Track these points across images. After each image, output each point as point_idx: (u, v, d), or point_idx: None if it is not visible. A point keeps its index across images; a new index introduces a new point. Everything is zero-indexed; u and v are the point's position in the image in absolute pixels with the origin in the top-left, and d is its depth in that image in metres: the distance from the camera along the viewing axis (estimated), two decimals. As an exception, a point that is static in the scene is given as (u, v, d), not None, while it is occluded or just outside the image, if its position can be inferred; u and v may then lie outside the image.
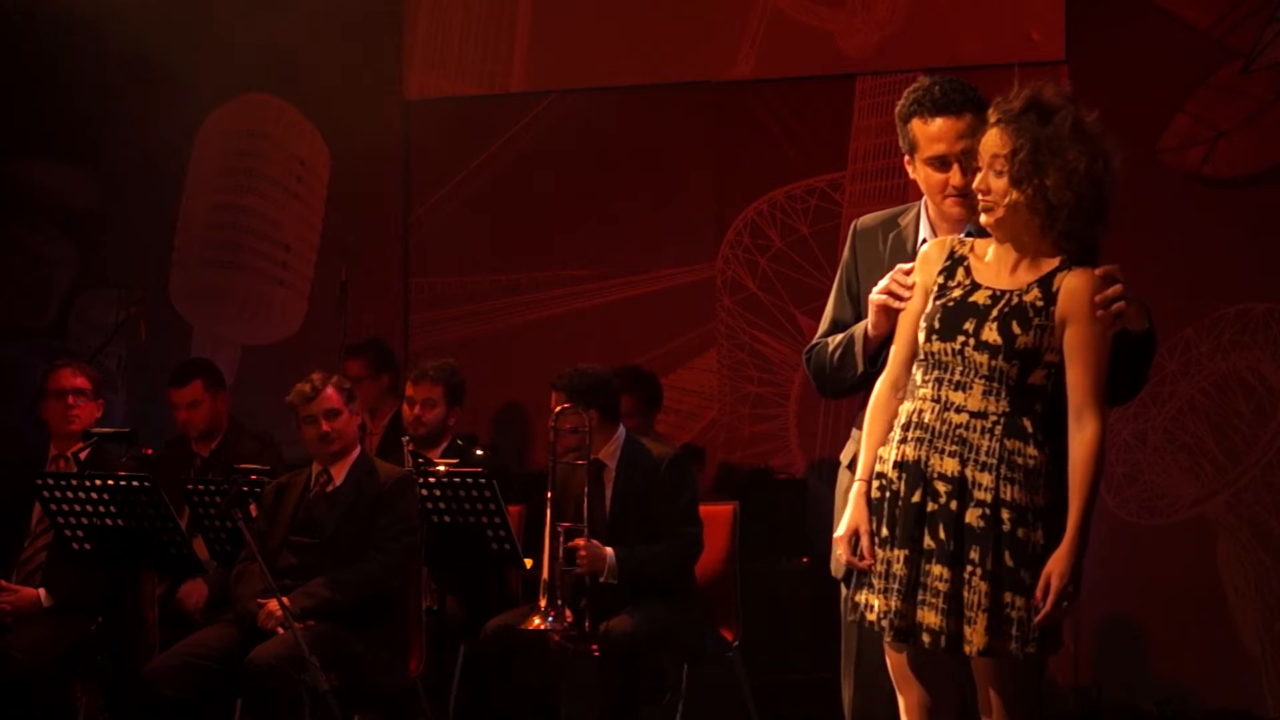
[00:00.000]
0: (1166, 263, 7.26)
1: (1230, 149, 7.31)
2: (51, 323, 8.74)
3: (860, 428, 3.93)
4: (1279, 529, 7.22)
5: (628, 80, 8.04)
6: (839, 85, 7.70)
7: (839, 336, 3.98)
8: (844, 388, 3.98)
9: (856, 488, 3.72)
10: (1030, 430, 3.63)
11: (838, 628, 4.07)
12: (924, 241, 3.93)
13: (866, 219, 4.13)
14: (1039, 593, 3.55)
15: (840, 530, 3.72)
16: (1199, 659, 7.22)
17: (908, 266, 3.80)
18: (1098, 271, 3.68)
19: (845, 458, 4.03)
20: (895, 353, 3.77)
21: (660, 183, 7.99)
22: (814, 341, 4.08)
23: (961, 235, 3.81)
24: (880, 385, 3.77)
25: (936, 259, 3.76)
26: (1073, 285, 3.66)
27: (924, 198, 4.02)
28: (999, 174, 3.63)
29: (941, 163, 3.89)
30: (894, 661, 3.75)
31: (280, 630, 5.66)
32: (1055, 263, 3.69)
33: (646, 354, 7.73)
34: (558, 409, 6.24)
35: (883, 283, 3.82)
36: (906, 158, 3.99)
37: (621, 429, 6.39)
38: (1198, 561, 7.25)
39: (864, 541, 3.68)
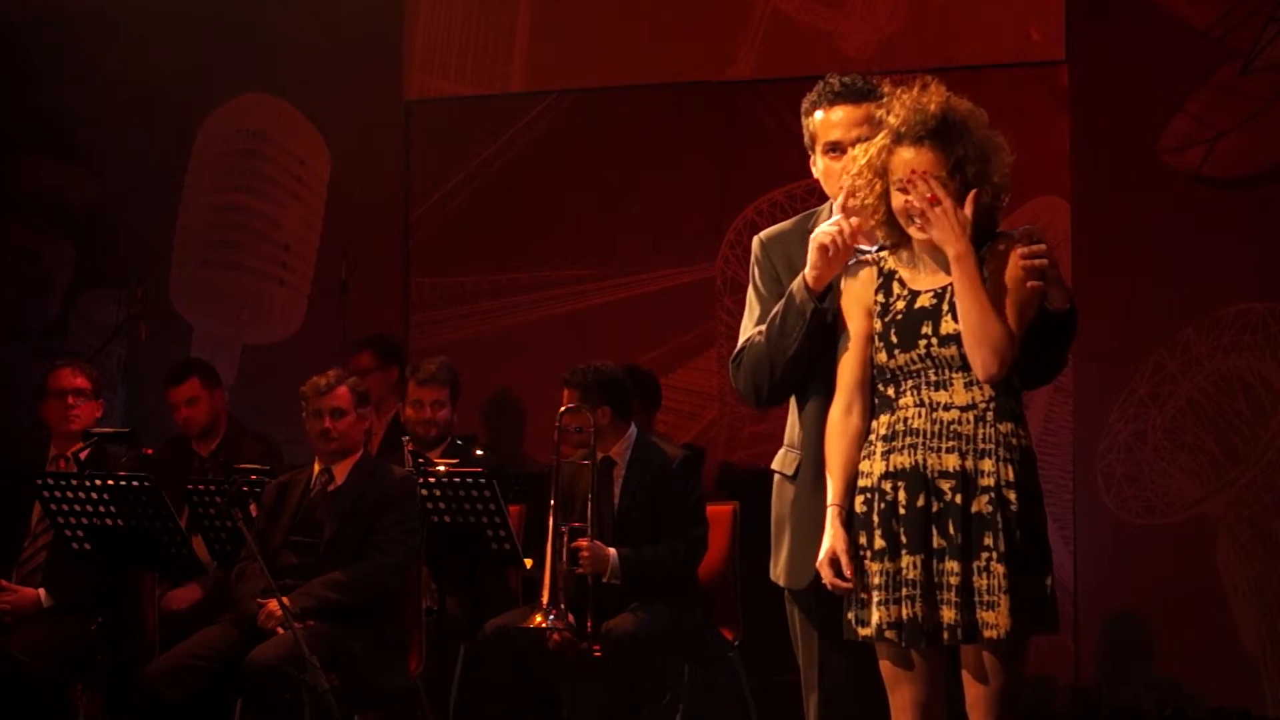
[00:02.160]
0: (1166, 263, 7.27)
1: (1230, 149, 7.31)
2: (51, 323, 8.74)
3: (793, 444, 3.93)
4: (1279, 529, 7.22)
5: (628, 80, 8.04)
6: (839, 85, 7.69)
7: (758, 330, 3.90)
8: (782, 364, 3.83)
9: (830, 512, 3.72)
10: (1018, 411, 3.69)
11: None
12: None
13: (770, 231, 4.07)
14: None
15: (820, 555, 3.72)
16: (1199, 659, 7.22)
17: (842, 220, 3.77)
18: (1021, 228, 3.72)
19: (788, 469, 3.94)
20: (843, 376, 3.76)
21: (660, 183, 7.99)
22: (739, 347, 3.99)
23: (873, 250, 3.81)
24: (833, 411, 3.76)
25: (868, 280, 3.78)
26: (997, 245, 3.69)
27: (829, 202, 4.01)
28: (941, 188, 3.64)
29: (837, 149, 3.92)
30: (887, 664, 3.75)
31: (280, 630, 5.67)
32: (982, 241, 3.70)
33: (646, 354, 7.73)
34: (562, 408, 6.25)
35: (826, 226, 3.78)
36: (810, 157, 4.01)
37: (633, 427, 6.41)
38: (1198, 561, 7.25)
39: (843, 560, 3.69)
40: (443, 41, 8.29)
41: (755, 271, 4.03)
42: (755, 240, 4.06)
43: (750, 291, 4.03)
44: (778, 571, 3.96)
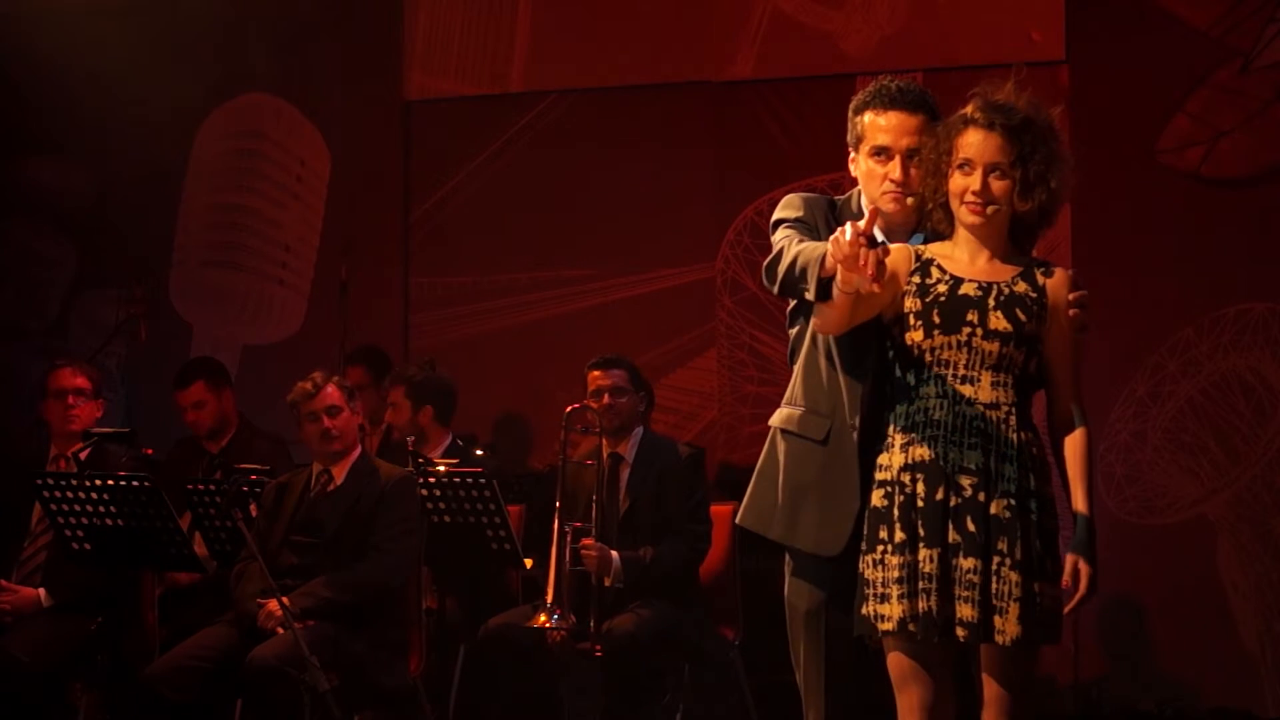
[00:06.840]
0: (1166, 263, 7.27)
1: (1230, 149, 7.32)
2: (51, 323, 8.74)
3: (818, 409, 3.89)
4: (1279, 529, 7.22)
5: (628, 80, 8.05)
6: (839, 85, 7.67)
7: (804, 249, 3.77)
8: (779, 289, 3.84)
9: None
10: (1031, 420, 3.73)
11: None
12: None
13: (805, 193, 4.05)
14: (1068, 579, 3.65)
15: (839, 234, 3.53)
16: (1199, 659, 7.22)
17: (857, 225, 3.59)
18: (1071, 273, 3.81)
19: (815, 434, 3.90)
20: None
21: (660, 183, 7.99)
22: (779, 244, 3.88)
23: (915, 244, 3.84)
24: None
25: (905, 261, 3.79)
26: (1057, 284, 3.77)
27: (856, 188, 4.00)
28: (1000, 178, 3.69)
29: (884, 154, 3.89)
30: (896, 661, 3.75)
31: (280, 630, 5.67)
32: (1025, 258, 3.78)
33: (646, 354, 7.72)
34: (568, 410, 6.26)
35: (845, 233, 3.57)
36: (850, 154, 3.99)
37: (640, 424, 6.44)
38: (1198, 561, 7.26)
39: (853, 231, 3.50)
40: (443, 41, 8.30)
41: (793, 205, 3.97)
42: (794, 194, 4.01)
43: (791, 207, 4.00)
44: (798, 535, 3.91)
